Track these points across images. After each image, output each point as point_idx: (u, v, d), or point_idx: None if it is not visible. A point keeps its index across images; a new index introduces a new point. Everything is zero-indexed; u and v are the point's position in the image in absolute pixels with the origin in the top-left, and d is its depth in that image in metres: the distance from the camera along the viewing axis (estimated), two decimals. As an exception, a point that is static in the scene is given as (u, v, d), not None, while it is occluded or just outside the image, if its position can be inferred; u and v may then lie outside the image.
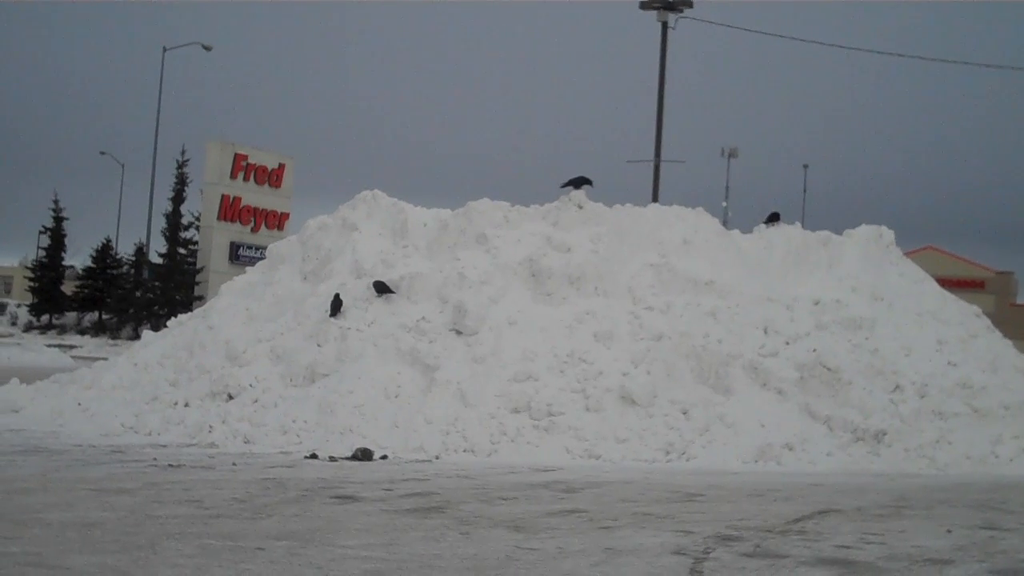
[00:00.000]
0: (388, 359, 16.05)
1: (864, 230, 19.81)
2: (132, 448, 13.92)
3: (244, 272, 20.67)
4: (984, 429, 15.56)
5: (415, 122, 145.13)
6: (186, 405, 16.13)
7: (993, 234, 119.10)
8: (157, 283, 54.68)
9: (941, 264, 61.89)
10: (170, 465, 12.29)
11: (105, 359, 20.95)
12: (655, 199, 39.26)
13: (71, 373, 19.07)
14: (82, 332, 55.23)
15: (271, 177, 54.60)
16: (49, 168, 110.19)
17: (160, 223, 55.61)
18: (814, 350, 16.34)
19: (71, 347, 43.38)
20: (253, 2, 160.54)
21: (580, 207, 18.52)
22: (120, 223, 70.74)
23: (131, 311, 54.56)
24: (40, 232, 62.19)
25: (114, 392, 16.99)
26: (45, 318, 57.93)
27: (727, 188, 71.28)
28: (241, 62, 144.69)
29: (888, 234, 19.90)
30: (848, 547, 8.51)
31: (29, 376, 19.55)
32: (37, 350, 36.74)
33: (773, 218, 19.91)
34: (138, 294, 55.08)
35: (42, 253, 61.59)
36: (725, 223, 23.48)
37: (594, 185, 18.97)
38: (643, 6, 42.60)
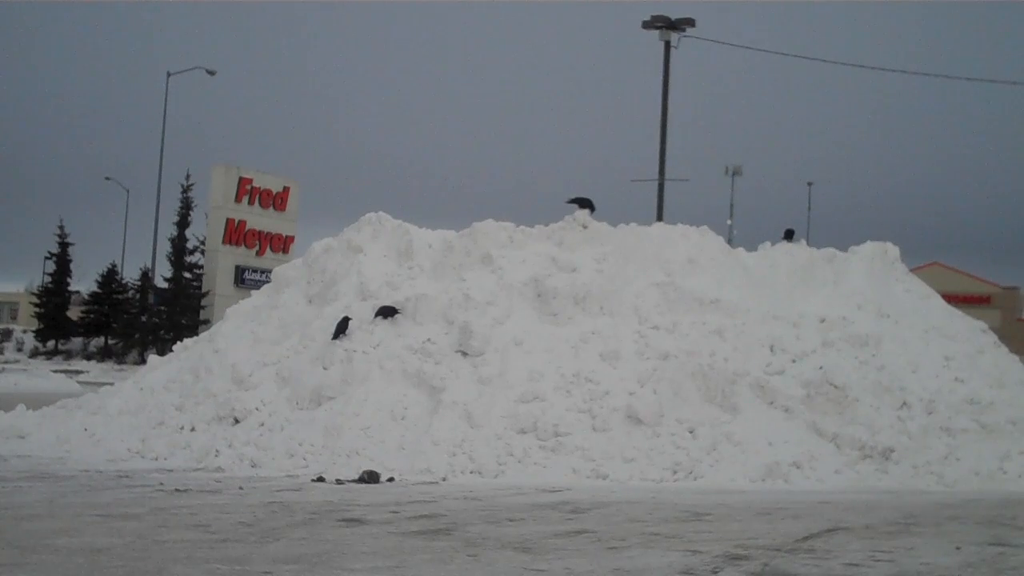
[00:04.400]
0: (394, 381, 16.05)
1: (869, 247, 19.79)
2: (139, 473, 13.92)
3: (249, 296, 20.69)
4: (992, 445, 15.51)
5: (419, 144, 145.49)
6: (192, 429, 16.13)
7: (999, 249, 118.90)
8: (163, 307, 54.77)
9: (947, 280, 61.82)
10: (177, 490, 12.28)
11: (111, 384, 20.97)
12: (659, 218, 39.26)
13: (77, 399, 19.07)
14: (88, 357, 55.30)
15: (276, 200, 54.74)
16: (54, 194, 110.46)
17: (165, 247, 55.80)
18: (821, 368, 16.32)
19: (77, 372, 43.42)
20: (257, 25, 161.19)
21: (584, 227, 18.54)
22: (125, 248, 71.23)
23: (137, 336, 54.65)
24: (45, 258, 62.34)
25: (120, 417, 17.00)
26: (51, 344, 58.00)
27: (731, 206, 71.27)
28: (245, 86, 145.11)
29: (893, 250, 19.89)
30: (857, 565, 8.48)
31: (35, 402, 19.56)
32: (43, 376, 36.78)
33: (789, 234, 19.93)
34: (144, 319, 55.18)
35: (48, 279, 61.70)
36: (730, 241, 23.54)
37: (594, 210, 18.99)
38: (646, 25, 42.61)
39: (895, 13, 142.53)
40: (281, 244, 54.84)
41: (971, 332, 18.76)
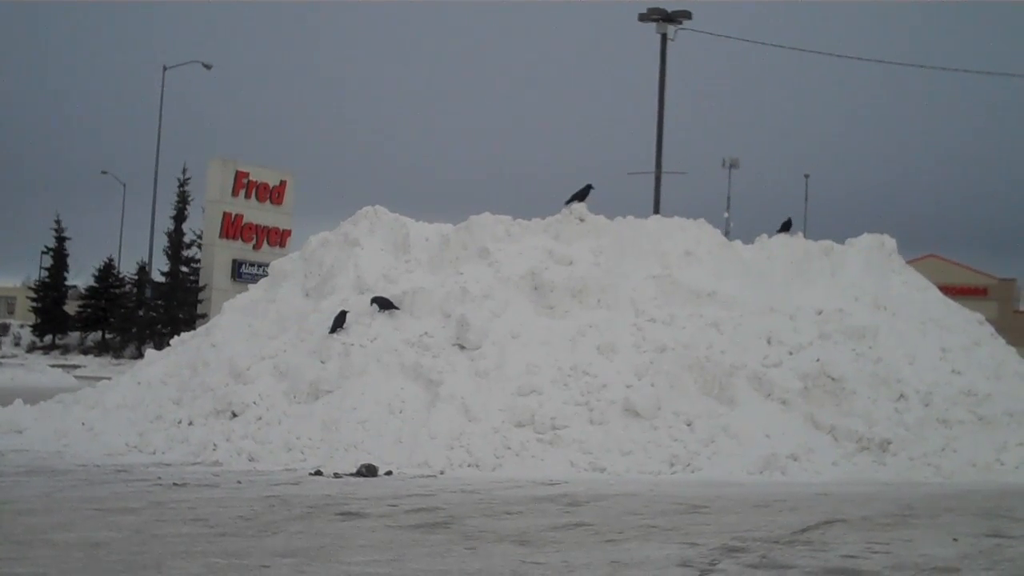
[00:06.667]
0: (391, 375, 16.05)
1: (866, 239, 19.79)
2: (136, 467, 13.93)
3: (246, 289, 20.67)
4: (989, 437, 15.54)
5: (416, 137, 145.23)
6: (190, 423, 16.13)
7: (995, 241, 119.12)
8: (160, 301, 54.76)
9: (944, 272, 61.90)
10: (175, 484, 12.29)
11: (108, 378, 20.94)
12: (656, 211, 39.21)
13: (74, 393, 19.06)
14: (85, 352, 55.27)
15: (272, 194, 54.67)
16: (51, 188, 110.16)
17: (162, 241, 55.80)
18: (818, 360, 16.32)
19: (74, 367, 43.42)
20: (253, 19, 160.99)
21: (581, 220, 18.53)
22: (122, 242, 70.92)
23: (134, 330, 54.63)
24: (42, 252, 62.31)
25: (118, 411, 16.98)
26: (48, 338, 57.95)
27: (728, 199, 71.49)
28: (242, 80, 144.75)
29: (890, 242, 19.89)
30: (854, 557, 8.50)
31: (33, 396, 19.55)
32: (40, 370, 36.80)
33: (786, 225, 19.90)
34: (141, 313, 55.17)
35: (44, 273, 61.66)
36: (727, 234, 23.48)
37: (592, 189, 18.97)
38: (642, 18, 42.58)
39: (892, 5, 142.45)
40: (278, 238, 54.78)
41: (968, 324, 18.78)
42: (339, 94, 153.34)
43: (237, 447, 15.11)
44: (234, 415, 16.00)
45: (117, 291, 58.44)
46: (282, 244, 53.90)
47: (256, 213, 53.98)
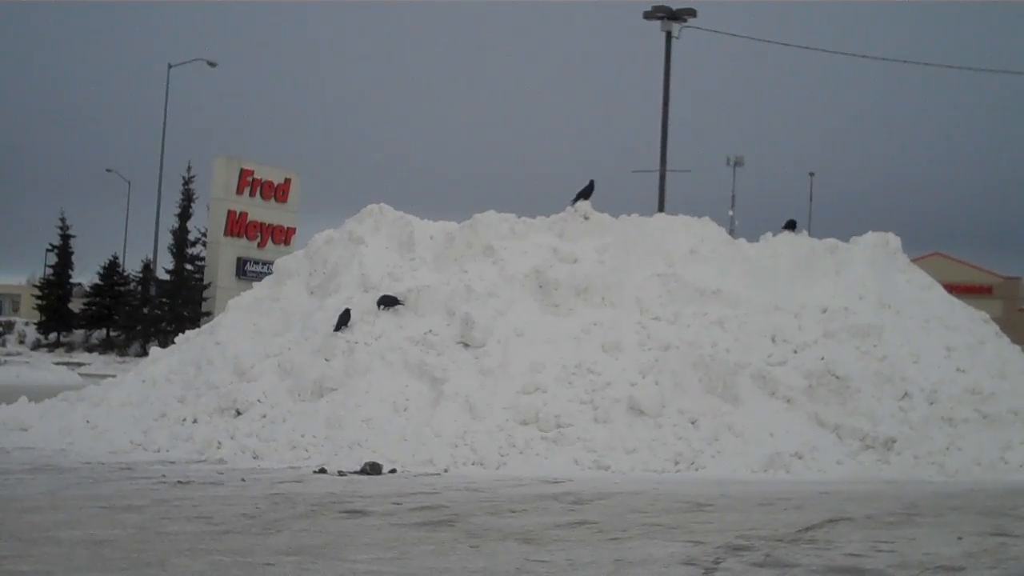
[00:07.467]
0: (396, 372, 16.06)
1: (871, 237, 19.78)
2: (141, 465, 13.94)
3: (251, 287, 20.68)
4: (993, 435, 15.52)
5: (420, 135, 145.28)
6: (194, 421, 16.13)
7: (1000, 240, 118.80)
8: (164, 299, 54.78)
9: (948, 270, 61.78)
10: (179, 482, 12.30)
11: (113, 376, 20.97)
12: (661, 209, 39.16)
13: (79, 391, 19.07)
14: (90, 349, 55.31)
15: (277, 192, 54.75)
16: (55, 186, 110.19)
17: (167, 239, 55.81)
18: (822, 358, 16.31)
19: (79, 365, 43.45)
20: (258, 17, 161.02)
21: (586, 218, 18.53)
22: (127, 240, 71.08)
23: (139, 328, 54.65)
24: (47, 250, 62.34)
25: (122, 409, 17.00)
26: (53, 336, 58.00)
27: (733, 197, 71.34)
28: (246, 78, 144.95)
29: (895, 241, 19.87)
30: (859, 555, 8.49)
31: (37, 394, 19.57)
32: (45, 368, 36.83)
33: (790, 225, 19.86)
34: (145, 311, 55.19)
35: (49, 271, 61.71)
36: (731, 232, 23.52)
37: (593, 190, 18.97)
38: (647, 16, 42.53)
39: (896, 4, 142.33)
40: (282, 236, 54.86)
41: (972, 322, 18.76)
42: (344, 92, 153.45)
43: (241, 445, 15.12)
44: (238, 413, 16.01)
45: (122, 289, 58.47)
46: (287, 242, 53.98)
47: (261, 211, 54.07)
